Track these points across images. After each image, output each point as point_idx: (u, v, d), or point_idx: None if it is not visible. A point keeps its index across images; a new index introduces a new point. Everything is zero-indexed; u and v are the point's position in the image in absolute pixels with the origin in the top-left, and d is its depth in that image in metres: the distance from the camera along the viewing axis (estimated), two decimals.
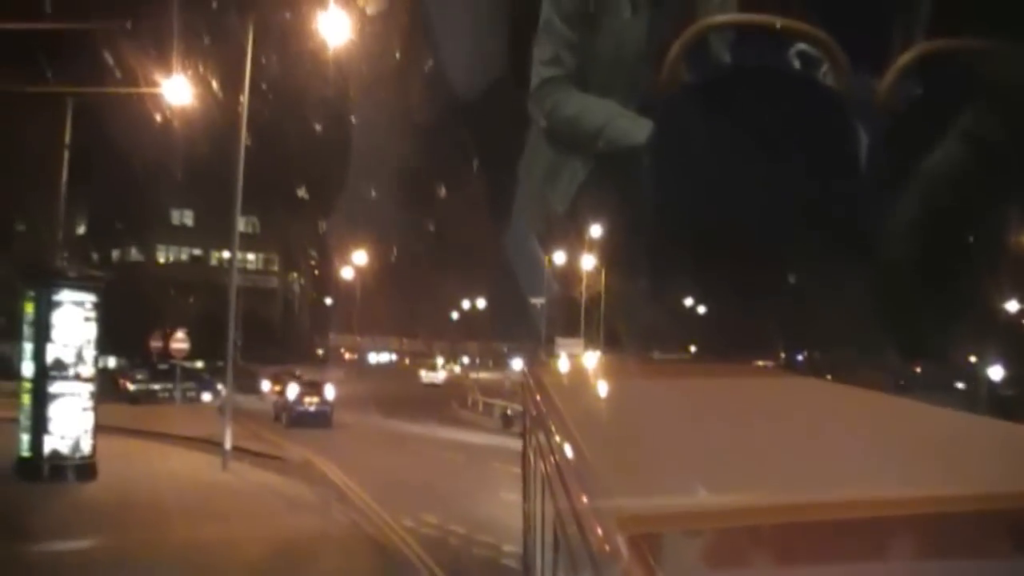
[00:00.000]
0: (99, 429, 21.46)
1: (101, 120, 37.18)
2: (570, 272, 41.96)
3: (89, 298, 21.19)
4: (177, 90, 26.82)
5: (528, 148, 4.89)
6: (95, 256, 64.76)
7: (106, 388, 30.84)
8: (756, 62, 4.31)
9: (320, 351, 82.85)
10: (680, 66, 3.93)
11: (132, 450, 25.48)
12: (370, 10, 21.49)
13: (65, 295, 20.92)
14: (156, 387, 45.77)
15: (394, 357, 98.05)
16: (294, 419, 38.03)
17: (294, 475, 23.49)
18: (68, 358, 20.81)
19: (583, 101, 4.46)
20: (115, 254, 72.92)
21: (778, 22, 4.11)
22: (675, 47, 3.94)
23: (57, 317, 20.74)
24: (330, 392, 40.50)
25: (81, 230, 63.66)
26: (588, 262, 40.99)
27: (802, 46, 4.13)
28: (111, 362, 51.20)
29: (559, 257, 35.31)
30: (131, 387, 46.40)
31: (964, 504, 2.15)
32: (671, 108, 4.01)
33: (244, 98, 24.96)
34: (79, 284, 21.57)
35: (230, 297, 26.30)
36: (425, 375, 70.77)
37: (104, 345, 23.25)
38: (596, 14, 4.41)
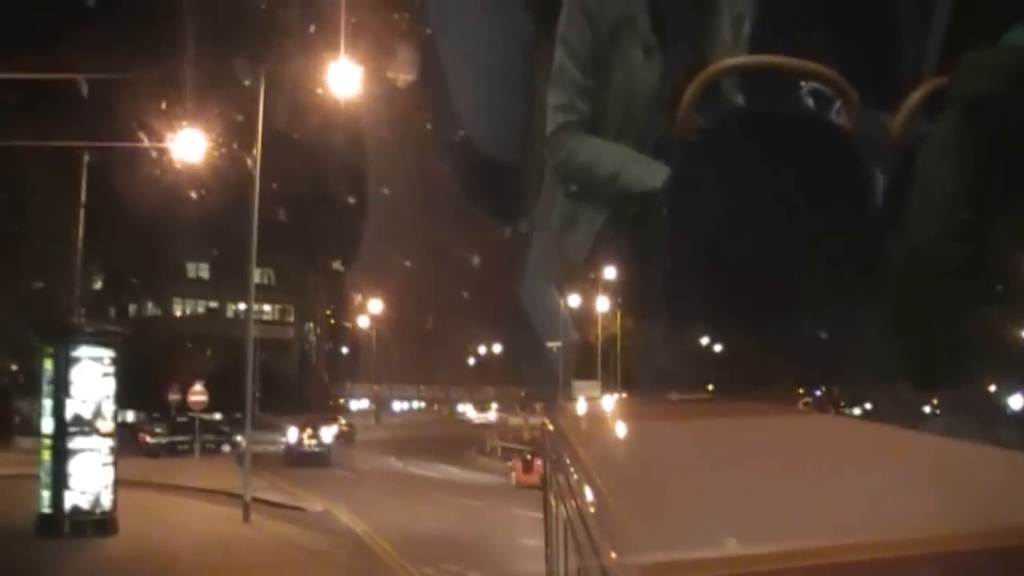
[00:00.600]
0: (119, 483, 21.45)
1: (116, 176, 37.46)
2: (586, 316, 42.03)
3: (107, 353, 21.26)
4: (191, 145, 27.03)
5: (544, 196, 4.90)
6: (112, 311, 65.09)
7: (125, 442, 30.86)
8: (768, 103, 4.33)
9: (342, 400, 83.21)
10: (693, 109, 3.95)
11: (153, 504, 25.46)
12: (401, 81, 21.64)
13: (83, 351, 21.00)
14: (175, 440, 45.75)
15: (422, 404, 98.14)
16: (295, 459, 41.76)
17: (315, 526, 23.43)
18: (87, 413, 20.84)
19: (597, 147, 4.47)
20: (132, 308, 73.19)
21: (789, 62, 4.13)
22: (688, 91, 3.96)
23: (76, 373, 20.80)
24: (327, 435, 45.15)
25: (98, 285, 63.89)
26: (603, 306, 41.06)
27: (813, 85, 4.14)
28: (130, 416, 51.26)
29: (575, 301, 35.40)
30: (150, 440, 46.37)
31: (1000, 540, 2.15)
32: (686, 152, 4.03)
33: (257, 152, 25.15)
34: (97, 340, 21.67)
35: (247, 349, 26.36)
36: (476, 416, 76.74)
37: (122, 399, 23.31)
38: (608, 58, 4.43)
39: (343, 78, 23.18)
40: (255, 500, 24.23)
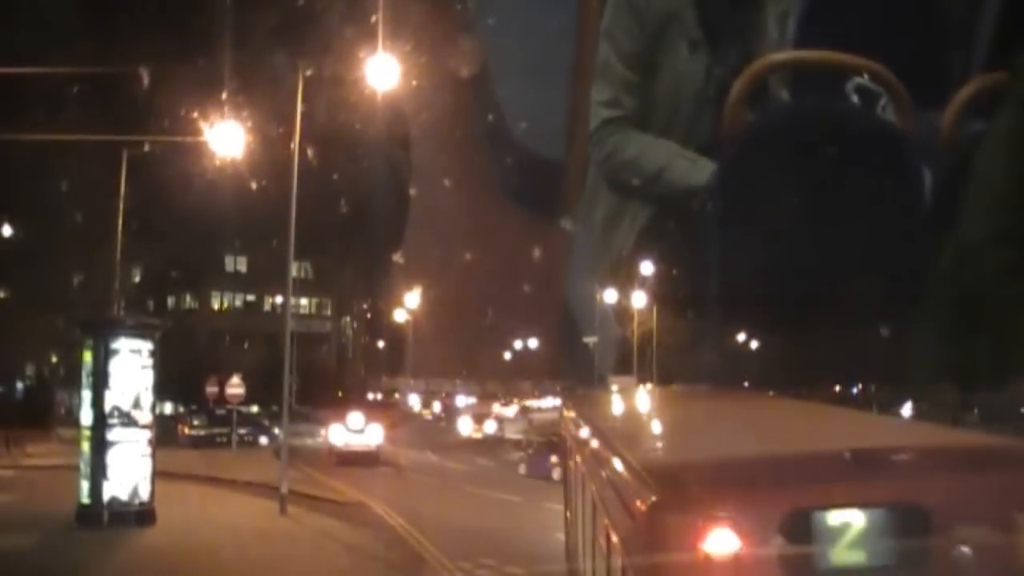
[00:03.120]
0: (157, 475, 21.56)
1: (155, 169, 37.68)
2: (624, 311, 41.81)
3: (146, 346, 21.34)
4: (230, 138, 27.05)
5: (588, 192, 4.87)
6: (150, 304, 65.58)
7: (164, 434, 31.05)
8: (815, 99, 4.29)
9: (383, 394, 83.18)
10: (741, 106, 3.91)
11: (190, 495, 25.58)
12: (450, 76, 21.68)
13: (122, 343, 21.07)
14: (213, 432, 45.93)
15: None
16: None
17: (351, 519, 23.44)
18: (126, 405, 20.93)
19: (643, 143, 4.44)
20: (170, 301, 73.68)
21: (837, 57, 4.08)
22: (736, 87, 3.93)
23: (115, 365, 20.88)
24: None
25: (136, 279, 64.36)
26: (641, 301, 40.82)
27: (860, 80, 4.09)
28: (168, 408, 51.62)
29: (614, 297, 35.20)
30: (189, 432, 46.63)
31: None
32: (732, 149, 3.99)
33: (295, 145, 25.16)
34: (136, 332, 21.75)
35: (284, 342, 26.43)
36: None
37: (161, 391, 23.43)
38: (654, 53, 4.40)
39: (388, 73, 23.17)
40: (293, 493, 24.30)
